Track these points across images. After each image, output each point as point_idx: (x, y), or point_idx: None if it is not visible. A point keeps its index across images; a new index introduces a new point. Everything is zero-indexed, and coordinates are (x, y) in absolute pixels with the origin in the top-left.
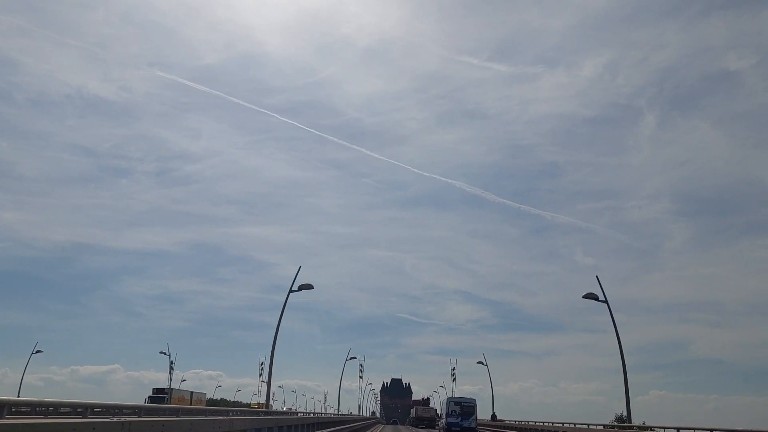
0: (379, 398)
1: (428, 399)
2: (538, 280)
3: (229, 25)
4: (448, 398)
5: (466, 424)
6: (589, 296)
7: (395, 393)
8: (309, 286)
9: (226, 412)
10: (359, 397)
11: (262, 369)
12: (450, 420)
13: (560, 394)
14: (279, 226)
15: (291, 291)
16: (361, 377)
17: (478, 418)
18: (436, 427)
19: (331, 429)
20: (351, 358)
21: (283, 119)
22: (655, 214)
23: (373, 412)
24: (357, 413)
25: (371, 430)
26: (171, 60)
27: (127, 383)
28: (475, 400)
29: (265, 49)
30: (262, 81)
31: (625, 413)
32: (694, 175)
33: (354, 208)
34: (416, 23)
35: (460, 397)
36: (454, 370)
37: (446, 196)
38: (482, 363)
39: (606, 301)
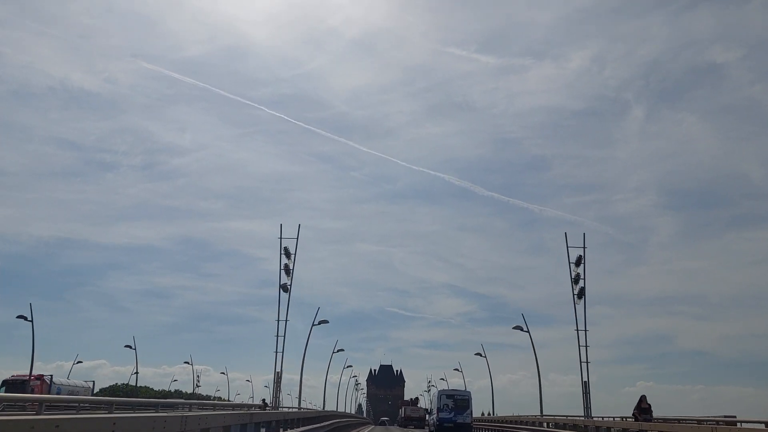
0: (365, 390)
1: (417, 399)
2: (526, 273)
3: (214, 16)
4: (439, 391)
5: (460, 419)
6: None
7: (384, 382)
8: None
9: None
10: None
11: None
12: (442, 415)
13: (549, 386)
14: (266, 220)
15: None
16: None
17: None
18: (426, 424)
19: None
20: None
21: (270, 112)
22: (641, 208)
23: (360, 405)
24: (301, 406)
25: None
26: (155, 51)
27: (114, 378)
28: (470, 392)
29: (250, 40)
30: (248, 73)
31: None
32: (681, 168)
33: (342, 202)
34: (404, 15)
35: (453, 390)
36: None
37: (434, 190)
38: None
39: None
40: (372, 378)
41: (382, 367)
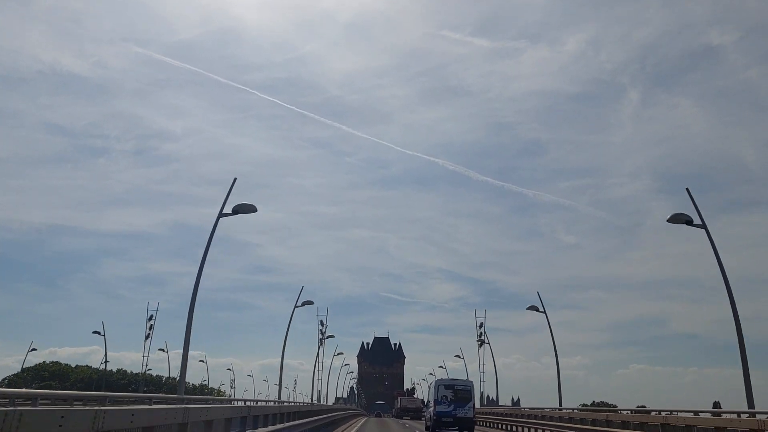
0: (356, 372)
1: (413, 389)
2: (520, 258)
3: None
4: (437, 380)
5: (460, 413)
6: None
7: (379, 358)
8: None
9: None
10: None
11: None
12: (440, 409)
13: (543, 369)
14: (260, 206)
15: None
16: None
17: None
18: (423, 417)
19: None
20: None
21: (263, 96)
22: (635, 192)
23: (352, 389)
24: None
25: None
26: (146, 35)
27: (108, 364)
28: (472, 382)
29: (243, 24)
30: (241, 57)
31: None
32: (675, 152)
33: (336, 188)
34: None
35: (452, 379)
36: None
37: (429, 175)
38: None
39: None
40: (364, 353)
41: (376, 339)
